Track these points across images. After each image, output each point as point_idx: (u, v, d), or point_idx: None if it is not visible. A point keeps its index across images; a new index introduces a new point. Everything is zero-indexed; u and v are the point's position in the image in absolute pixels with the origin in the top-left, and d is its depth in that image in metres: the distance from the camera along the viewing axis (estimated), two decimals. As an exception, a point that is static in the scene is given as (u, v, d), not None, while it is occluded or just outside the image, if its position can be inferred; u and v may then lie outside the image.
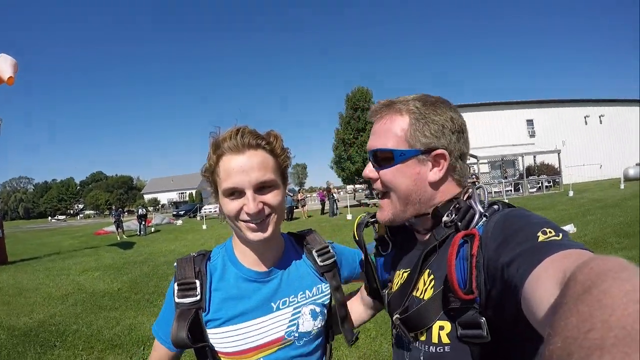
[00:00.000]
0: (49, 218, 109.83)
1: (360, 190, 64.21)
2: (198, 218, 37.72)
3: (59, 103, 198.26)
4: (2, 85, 10.72)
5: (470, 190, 1.14)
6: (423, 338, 1.09)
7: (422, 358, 1.09)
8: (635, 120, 39.10)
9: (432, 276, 1.09)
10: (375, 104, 1.24)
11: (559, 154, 31.48)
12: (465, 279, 0.96)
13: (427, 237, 1.18)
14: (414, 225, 1.23)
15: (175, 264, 1.37)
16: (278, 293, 1.36)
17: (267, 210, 1.25)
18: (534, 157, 34.96)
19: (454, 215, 1.09)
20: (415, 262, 1.17)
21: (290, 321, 1.35)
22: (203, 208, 39.22)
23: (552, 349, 0.44)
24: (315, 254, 1.48)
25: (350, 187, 60.10)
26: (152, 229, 28.44)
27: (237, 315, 1.30)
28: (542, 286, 0.68)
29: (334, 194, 27.73)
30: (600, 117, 38.65)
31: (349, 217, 22.69)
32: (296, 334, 1.36)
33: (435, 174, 1.13)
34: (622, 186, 23.75)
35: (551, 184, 32.23)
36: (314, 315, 1.39)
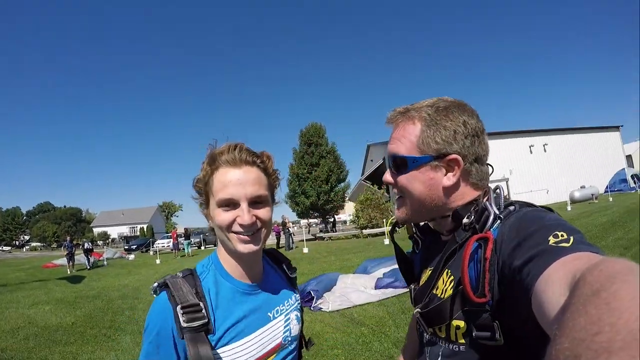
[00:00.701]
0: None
1: (314, 225, 64.39)
2: (151, 253, 37.02)
3: (4, 125, 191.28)
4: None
5: (488, 192, 1.16)
6: (442, 335, 1.11)
7: (440, 354, 1.12)
8: (577, 147, 41.10)
9: (451, 277, 1.11)
10: (392, 111, 1.26)
11: (507, 182, 32.44)
12: (478, 281, 0.97)
13: (450, 238, 1.19)
14: (436, 226, 1.28)
15: (154, 285, 1.28)
16: (270, 303, 1.41)
17: (258, 223, 1.28)
18: (483, 185, 35.31)
19: (472, 218, 1.10)
20: (438, 261, 1.19)
21: (285, 327, 1.42)
22: (156, 242, 38.57)
23: (559, 349, 0.44)
24: (285, 267, 1.58)
25: (304, 221, 60.02)
26: (105, 262, 27.71)
27: (241, 330, 1.30)
28: (551, 287, 0.69)
29: (289, 228, 27.69)
30: (544, 145, 39.96)
31: (305, 250, 22.64)
32: (289, 338, 1.43)
33: (449, 179, 1.14)
34: (569, 208, 24.60)
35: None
36: (298, 319, 1.50)
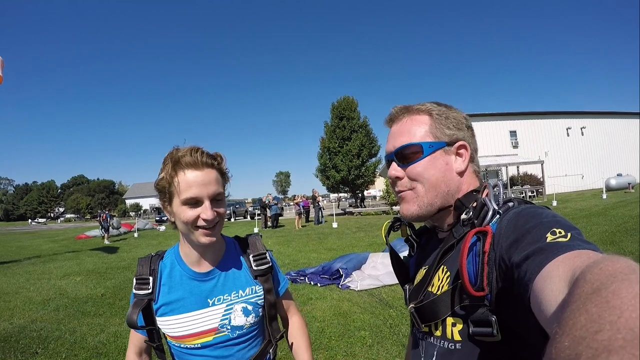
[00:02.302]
0: (29, 221, 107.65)
1: (344, 199, 64.51)
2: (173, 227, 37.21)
3: (41, 103, 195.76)
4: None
5: (487, 187, 1.16)
6: (438, 333, 1.11)
7: (435, 353, 1.11)
8: (615, 132, 39.98)
9: (447, 273, 1.10)
10: (393, 109, 1.31)
11: (542, 164, 31.63)
12: (476, 275, 0.96)
13: (447, 234, 1.18)
14: (436, 221, 1.27)
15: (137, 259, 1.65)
16: (214, 291, 1.59)
17: (217, 218, 1.48)
18: (517, 167, 35.25)
19: (471, 214, 1.10)
20: (433, 258, 1.19)
21: (223, 315, 1.57)
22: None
23: (559, 347, 0.44)
24: (251, 258, 1.69)
25: (334, 195, 60.10)
26: (136, 233, 28.10)
27: (178, 307, 1.55)
28: (550, 285, 0.69)
29: (319, 202, 27.54)
30: (582, 129, 39.17)
31: (335, 225, 22.61)
32: (229, 327, 1.58)
33: (460, 164, 1.19)
34: (604, 196, 23.97)
35: (534, 194, 32.42)
36: (245, 312, 1.61)
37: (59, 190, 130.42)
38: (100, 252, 18.04)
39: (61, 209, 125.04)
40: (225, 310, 1.58)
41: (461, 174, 1.19)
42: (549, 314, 0.65)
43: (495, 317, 0.94)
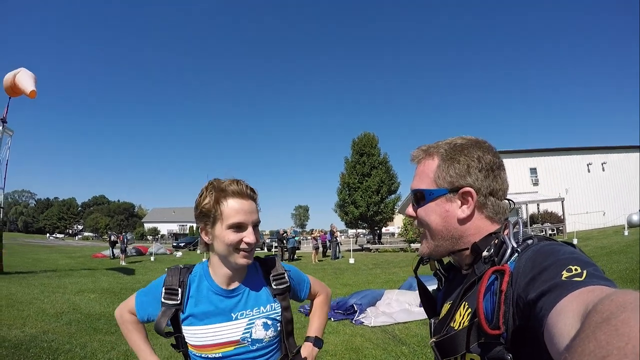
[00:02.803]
0: (47, 235, 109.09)
1: (362, 235, 64.21)
2: (198, 251, 37.10)
3: (69, 121, 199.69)
4: (19, 98, 10.77)
5: (507, 225, 1.16)
6: None
7: None
8: (637, 167, 38.84)
9: (468, 309, 1.10)
10: (416, 150, 1.35)
11: (562, 202, 31.17)
12: (493, 313, 0.96)
13: (469, 271, 1.19)
14: (456, 260, 1.30)
15: (166, 269, 1.77)
16: (237, 306, 1.71)
17: (256, 242, 1.65)
18: (538, 205, 34.55)
19: (492, 251, 1.11)
20: (456, 294, 1.20)
21: (245, 329, 1.69)
22: (204, 242, 39.06)
23: None
24: (271, 278, 1.82)
25: (352, 231, 59.82)
26: (152, 257, 28.32)
27: (204, 318, 1.67)
28: (564, 319, 0.69)
29: (337, 237, 27.43)
30: (602, 164, 38.45)
31: (352, 260, 22.39)
32: (249, 340, 1.69)
33: (463, 211, 1.18)
34: (626, 233, 23.27)
35: (555, 232, 31.60)
36: (265, 326, 1.72)
37: (79, 208, 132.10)
38: (116, 272, 18.14)
39: (80, 227, 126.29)
40: (247, 325, 1.69)
41: (463, 221, 1.19)
42: (562, 347, 0.65)
43: (511, 355, 0.93)
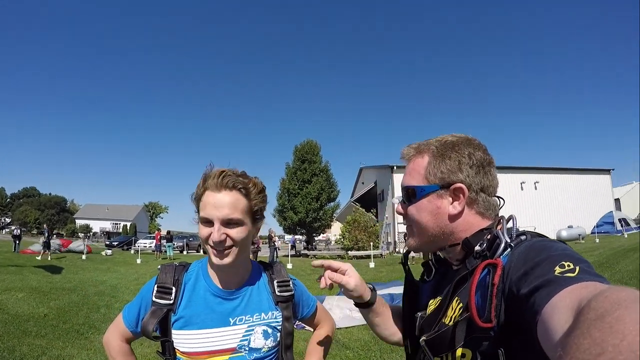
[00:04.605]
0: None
1: (299, 242, 64.23)
2: (132, 251, 36.33)
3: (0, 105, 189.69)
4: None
5: (501, 221, 1.17)
6: None
7: None
8: (568, 187, 41.75)
9: (460, 304, 1.12)
10: (406, 148, 1.35)
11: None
12: (484, 307, 0.98)
13: (460, 266, 1.21)
14: (447, 255, 1.30)
15: (159, 267, 1.65)
16: (236, 311, 1.59)
17: (228, 242, 1.48)
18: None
19: (484, 246, 1.13)
20: (448, 289, 1.20)
21: (243, 336, 1.57)
22: (138, 242, 37.95)
23: None
24: (275, 284, 1.71)
25: (289, 236, 59.87)
26: (83, 256, 26.95)
27: (197, 322, 1.53)
28: (557, 315, 0.71)
29: (275, 242, 27.47)
30: (535, 183, 40.62)
31: (290, 266, 22.38)
32: (247, 348, 1.57)
33: (454, 207, 1.19)
34: None
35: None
36: (265, 335, 1.60)
37: (8, 200, 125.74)
38: (45, 270, 17.29)
39: (7, 220, 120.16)
40: (246, 331, 1.58)
41: (454, 217, 1.20)
42: (555, 341, 0.67)
43: (502, 349, 0.95)
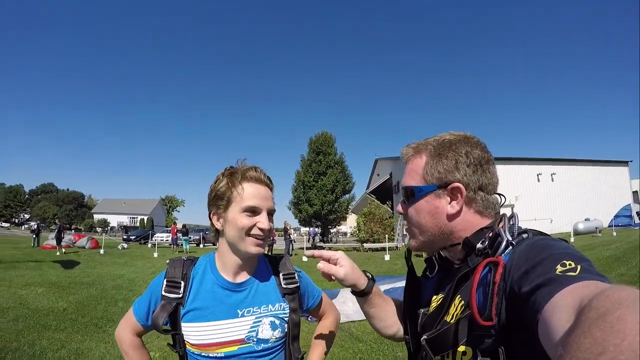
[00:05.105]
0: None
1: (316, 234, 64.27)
2: (149, 245, 36.56)
3: (19, 104, 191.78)
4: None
5: (502, 219, 1.18)
6: None
7: None
8: (584, 179, 41.01)
9: (462, 302, 1.11)
10: (405, 148, 1.36)
11: (512, 207, 32.02)
12: (486, 305, 0.98)
13: (462, 264, 1.20)
14: (448, 255, 1.29)
15: (167, 261, 1.70)
16: (244, 302, 1.63)
17: (269, 230, 1.59)
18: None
19: (486, 243, 1.12)
20: (449, 287, 1.19)
21: (251, 327, 1.61)
22: (155, 235, 38.30)
23: None
24: (281, 277, 1.75)
25: (305, 229, 59.94)
26: (101, 250, 26.84)
27: (206, 314, 1.58)
28: (558, 314, 0.70)
29: (290, 235, 27.52)
30: (552, 174, 39.98)
31: (305, 259, 22.37)
32: (255, 339, 1.61)
33: (452, 207, 1.19)
34: (572, 239, 23.95)
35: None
36: (273, 326, 1.64)
37: (27, 196, 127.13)
38: (64, 265, 17.46)
39: (27, 216, 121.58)
40: (254, 322, 1.61)
41: (453, 216, 1.20)
42: (555, 340, 0.67)
43: (503, 347, 0.95)
